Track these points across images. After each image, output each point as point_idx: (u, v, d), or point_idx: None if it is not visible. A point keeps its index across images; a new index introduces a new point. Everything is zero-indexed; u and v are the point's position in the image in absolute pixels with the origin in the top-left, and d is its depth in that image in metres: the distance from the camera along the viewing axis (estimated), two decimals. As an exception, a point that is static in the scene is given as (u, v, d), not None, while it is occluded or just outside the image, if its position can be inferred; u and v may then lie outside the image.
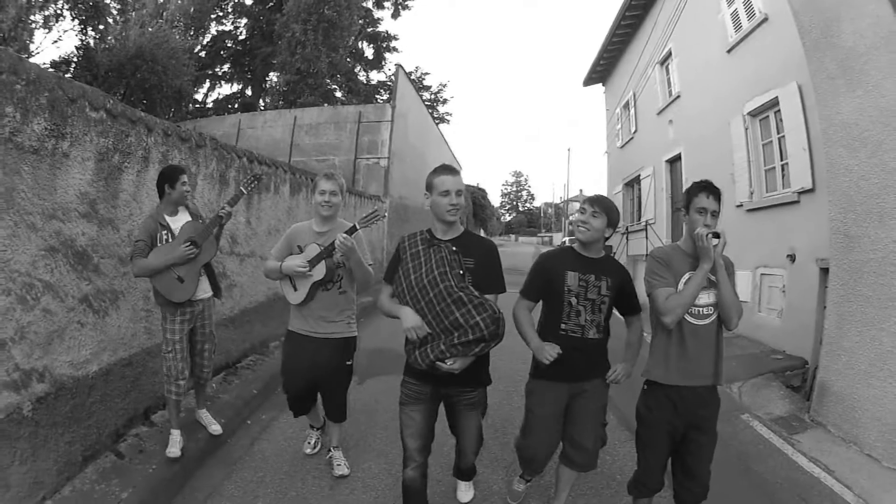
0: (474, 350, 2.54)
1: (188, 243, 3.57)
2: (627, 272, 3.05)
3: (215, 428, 4.11)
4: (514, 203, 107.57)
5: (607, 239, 2.93)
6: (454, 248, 2.68)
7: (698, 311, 2.68)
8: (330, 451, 3.88)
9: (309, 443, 4.04)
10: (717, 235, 2.60)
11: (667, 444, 2.77)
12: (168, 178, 3.66)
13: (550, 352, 2.76)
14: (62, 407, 3.35)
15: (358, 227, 3.19)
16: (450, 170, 2.77)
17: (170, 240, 3.60)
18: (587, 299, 2.83)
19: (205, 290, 3.87)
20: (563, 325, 2.84)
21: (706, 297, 2.67)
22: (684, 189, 2.88)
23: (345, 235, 3.09)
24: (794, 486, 3.82)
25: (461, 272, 2.64)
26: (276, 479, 3.65)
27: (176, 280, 3.63)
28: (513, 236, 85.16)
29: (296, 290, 3.49)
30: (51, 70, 3.36)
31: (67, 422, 3.38)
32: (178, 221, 3.68)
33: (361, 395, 5.21)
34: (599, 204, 2.88)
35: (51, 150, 3.20)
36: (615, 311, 2.98)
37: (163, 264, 3.56)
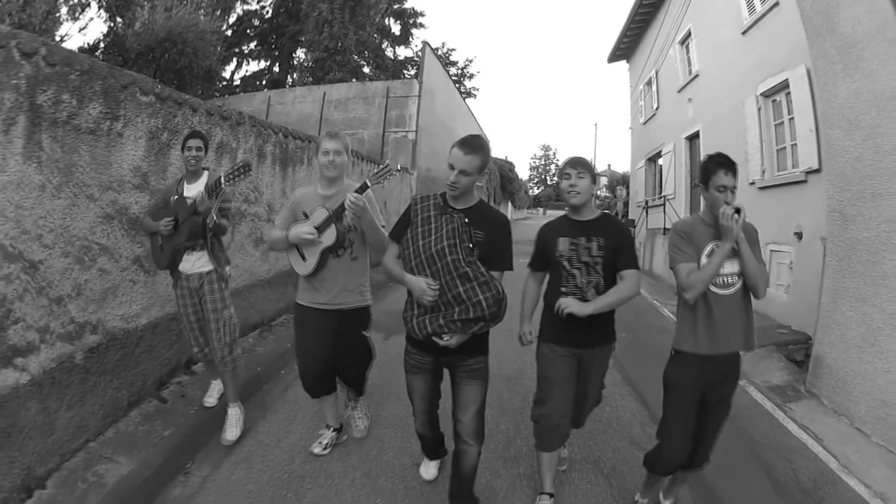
0: (472, 329, 2.53)
1: (171, 219, 3.51)
2: (625, 229, 2.98)
3: (230, 431, 3.70)
4: (543, 176, 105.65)
5: (595, 194, 2.92)
6: (466, 220, 2.62)
7: (723, 280, 2.68)
8: (349, 408, 3.88)
9: (321, 443, 3.60)
10: (738, 211, 2.59)
11: (694, 410, 2.76)
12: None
13: (526, 337, 3.06)
14: (112, 356, 3.71)
15: (369, 183, 2.92)
16: (466, 145, 2.59)
17: None
18: (581, 262, 2.80)
19: (199, 265, 3.65)
20: (563, 289, 2.83)
21: (730, 266, 2.67)
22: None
23: (356, 195, 2.83)
24: (781, 448, 3.99)
25: (470, 245, 2.58)
26: (307, 418, 4.04)
27: (159, 247, 3.68)
28: (541, 209, 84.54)
29: (305, 259, 3.25)
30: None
31: (116, 369, 3.75)
32: (192, 190, 3.58)
33: (388, 348, 5.63)
34: (581, 165, 2.85)
35: (106, 130, 3.58)
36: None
37: (150, 228, 3.64)
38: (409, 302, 2.72)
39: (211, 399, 4.07)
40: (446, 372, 2.89)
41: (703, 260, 2.70)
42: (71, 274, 3.35)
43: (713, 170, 2.69)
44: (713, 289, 2.67)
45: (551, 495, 3.07)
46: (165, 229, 3.51)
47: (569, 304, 2.70)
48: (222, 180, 3.38)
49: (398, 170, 2.92)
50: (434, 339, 2.57)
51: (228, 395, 3.81)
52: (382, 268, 2.94)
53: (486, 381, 2.82)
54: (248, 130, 5.69)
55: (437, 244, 2.59)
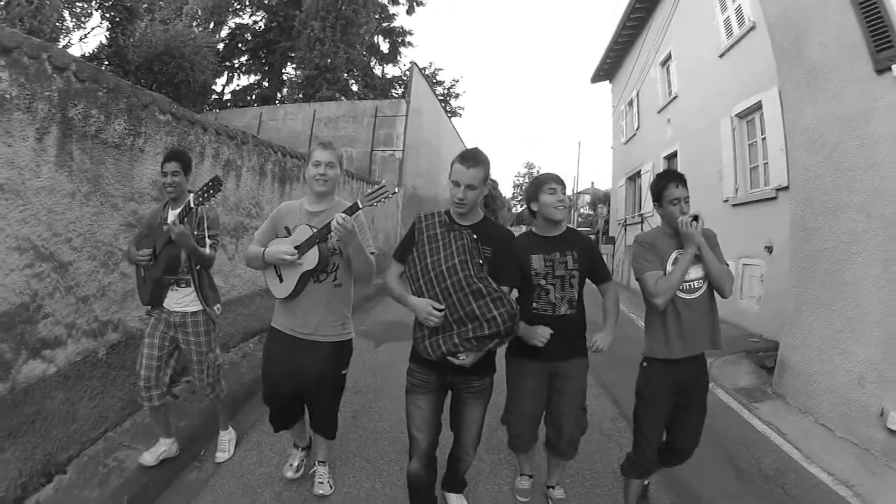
0: (488, 345, 2.44)
1: (149, 249, 3.14)
2: (590, 239, 3.05)
3: (220, 455, 3.58)
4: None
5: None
6: (475, 236, 2.56)
7: (688, 285, 2.74)
8: (315, 464, 3.35)
9: (291, 465, 3.37)
10: (695, 218, 2.68)
11: (666, 418, 2.85)
12: None
13: (543, 334, 2.72)
14: (130, 353, 3.92)
15: (361, 205, 2.57)
16: (469, 158, 2.52)
17: None
18: (556, 277, 2.81)
19: (185, 304, 3.23)
20: (534, 305, 2.83)
21: (695, 272, 2.74)
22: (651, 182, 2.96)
23: (344, 215, 2.49)
24: (746, 441, 4.21)
25: (480, 261, 2.51)
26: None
27: (142, 279, 3.27)
28: (524, 227, 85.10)
29: (282, 280, 2.88)
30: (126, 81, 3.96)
31: (133, 365, 3.83)
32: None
33: (379, 356, 5.87)
34: (561, 180, 2.90)
35: (129, 145, 3.88)
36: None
37: (132, 259, 3.24)
38: (418, 322, 2.60)
39: (148, 457, 3.27)
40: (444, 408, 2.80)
41: (669, 268, 2.78)
42: (97, 276, 3.61)
43: (664, 185, 2.81)
44: (680, 294, 2.75)
45: (530, 476, 3.37)
46: (143, 260, 3.14)
47: (600, 341, 2.82)
48: (191, 202, 2.91)
49: (395, 192, 2.58)
50: (449, 358, 2.47)
51: (220, 422, 3.64)
52: (385, 288, 2.82)
53: (489, 398, 2.77)
54: (251, 149, 6.02)
55: (447, 261, 2.50)
